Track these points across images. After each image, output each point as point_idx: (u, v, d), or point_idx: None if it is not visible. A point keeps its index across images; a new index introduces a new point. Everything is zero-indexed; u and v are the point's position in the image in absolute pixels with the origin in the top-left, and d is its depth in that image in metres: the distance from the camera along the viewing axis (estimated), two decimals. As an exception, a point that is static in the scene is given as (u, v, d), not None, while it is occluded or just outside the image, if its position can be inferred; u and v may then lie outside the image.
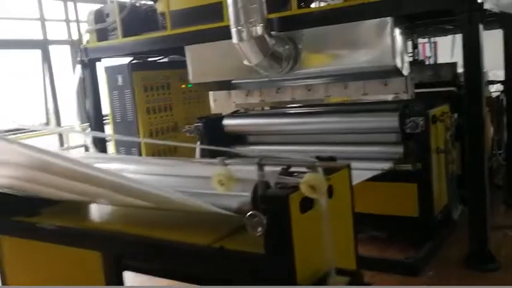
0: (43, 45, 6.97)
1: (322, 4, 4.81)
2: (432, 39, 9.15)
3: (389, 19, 3.86)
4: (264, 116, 5.32)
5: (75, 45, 7.44)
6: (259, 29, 3.92)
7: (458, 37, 6.88)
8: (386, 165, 4.05)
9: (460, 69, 5.25)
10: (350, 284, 2.18)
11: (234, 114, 5.26)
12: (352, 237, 2.60)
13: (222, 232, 2.54)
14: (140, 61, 6.21)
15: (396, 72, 4.08)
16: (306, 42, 4.29)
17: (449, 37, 8.60)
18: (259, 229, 2.06)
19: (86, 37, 5.75)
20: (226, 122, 5.10)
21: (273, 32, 4.16)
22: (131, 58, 6.10)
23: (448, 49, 9.53)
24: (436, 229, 4.18)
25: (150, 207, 2.65)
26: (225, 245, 2.40)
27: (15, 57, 6.95)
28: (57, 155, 2.41)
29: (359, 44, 4.08)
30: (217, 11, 4.58)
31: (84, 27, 5.77)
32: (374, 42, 3.99)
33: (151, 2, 5.81)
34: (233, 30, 3.97)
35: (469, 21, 3.55)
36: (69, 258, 2.88)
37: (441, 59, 8.21)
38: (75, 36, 7.44)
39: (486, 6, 3.62)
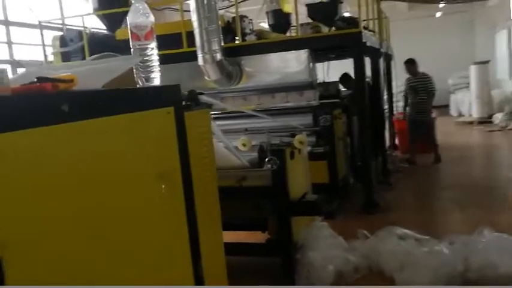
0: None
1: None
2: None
3: (307, 50, 5.74)
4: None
5: (15, 65, 8.29)
6: (218, 55, 5.51)
7: (332, 63, 9.22)
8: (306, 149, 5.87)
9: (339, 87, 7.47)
10: (318, 197, 3.92)
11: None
12: (309, 176, 4.37)
13: (234, 180, 4.11)
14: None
15: (310, 86, 5.97)
16: (247, 65, 6.00)
17: (326, 63, 10.96)
18: (274, 166, 3.71)
19: (50, 58, 6.80)
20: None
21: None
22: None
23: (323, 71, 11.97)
24: (339, 190, 6.11)
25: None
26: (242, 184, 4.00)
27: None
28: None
29: (285, 66, 5.88)
30: (177, 40, 6.08)
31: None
32: (296, 65, 5.83)
33: (106, 31, 7.07)
34: (200, 56, 5.51)
35: (359, 54, 5.60)
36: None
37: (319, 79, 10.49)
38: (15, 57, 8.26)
39: (367, 44, 5.70)
